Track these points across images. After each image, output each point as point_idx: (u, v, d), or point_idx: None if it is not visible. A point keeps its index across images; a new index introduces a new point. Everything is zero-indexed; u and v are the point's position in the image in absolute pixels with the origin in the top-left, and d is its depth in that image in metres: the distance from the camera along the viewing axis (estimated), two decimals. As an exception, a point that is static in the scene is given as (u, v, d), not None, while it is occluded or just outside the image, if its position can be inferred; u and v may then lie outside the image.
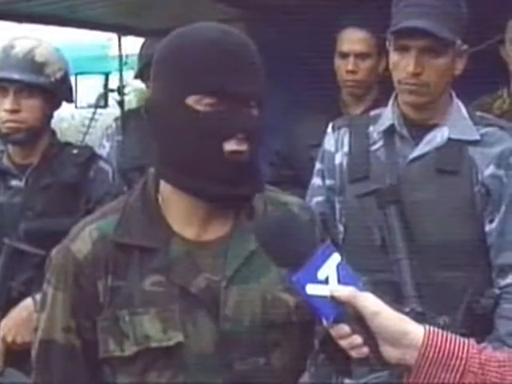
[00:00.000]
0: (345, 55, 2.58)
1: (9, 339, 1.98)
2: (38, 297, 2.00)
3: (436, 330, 1.19)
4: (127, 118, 3.06)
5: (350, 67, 2.56)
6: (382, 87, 2.64)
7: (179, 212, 1.34)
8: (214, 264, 1.33)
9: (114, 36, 4.39)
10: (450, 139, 1.85)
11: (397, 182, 1.84)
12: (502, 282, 1.82)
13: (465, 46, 1.83)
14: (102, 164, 2.16)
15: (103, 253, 1.33)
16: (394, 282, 1.79)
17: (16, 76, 2.04)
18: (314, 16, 3.54)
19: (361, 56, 2.57)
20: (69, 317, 1.35)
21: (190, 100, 1.27)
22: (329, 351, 1.53)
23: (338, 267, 1.15)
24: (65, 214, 2.03)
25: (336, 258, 1.15)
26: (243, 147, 1.27)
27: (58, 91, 2.10)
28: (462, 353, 1.17)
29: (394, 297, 1.76)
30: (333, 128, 2.00)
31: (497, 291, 1.81)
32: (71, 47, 2.88)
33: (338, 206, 1.95)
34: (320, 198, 1.97)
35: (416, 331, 1.17)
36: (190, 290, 1.31)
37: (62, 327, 1.36)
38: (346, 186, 1.93)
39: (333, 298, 1.15)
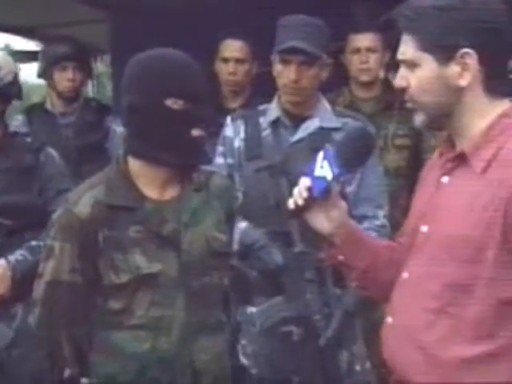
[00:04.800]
0: (226, 60, 3.23)
1: None
2: (11, 257, 2.48)
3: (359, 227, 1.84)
4: (32, 111, 3.50)
5: (230, 70, 3.21)
6: (254, 87, 3.32)
7: (146, 181, 1.91)
8: (174, 215, 1.91)
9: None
10: (320, 127, 2.52)
11: (283, 160, 2.47)
12: (358, 228, 2.53)
13: (329, 60, 2.52)
14: (49, 150, 2.65)
15: (99, 212, 1.87)
16: (286, 231, 2.42)
17: None
18: (180, 16, 4.01)
19: (239, 61, 3.22)
20: (75, 260, 1.86)
21: (168, 102, 1.84)
22: (236, 284, 2.18)
23: (330, 158, 1.63)
24: (22, 192, 2.52)
25: (331, 150, 1.65)
26: (203, 133, 1.89)
27: (9, 91, 2.57)
28: (368, 238, 1.81)
29: (287, 242, 2.41)
30: (231, 119, 2.61)
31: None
32: None
33: (237, 179, 2.56)
34: (223, 173, 2.59)
35: (351, 223, 1.77)
36: (162, 233, 1.89)
37: (69, 269, 1.86)
38: (244, 163, 2.55)
39: (327, 182, 1.63)
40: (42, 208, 2.47)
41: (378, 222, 2.51)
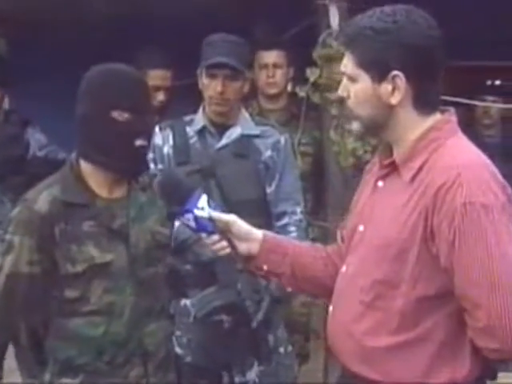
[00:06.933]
0: (158, 88, 3.50)
1: None
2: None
3: (268, 232, 2.06)
4: None
5: (161, 98, 3.51)
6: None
7: (96, 181, 2.12)
8: (122, 212, 2.13)
9: None
10: (242, 135, 2.80)
11: (211, 163, 2.73)
12: (278, 224, 2.78)
13: (250, 74, 2.81)
14: None
15: (56, 209, 2.05)
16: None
17: None
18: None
19: (163, 88, 3.53)
20: (34, 253, 2.02)
21: (114, 114, 2.05)
22: (169, 279, 2.40)
23: (208, 201, 2.00)
24: None
25: (205, 196, 2.01)
26: (145, 143, 2.11)
27: None
28: (286, 243, 2.03)
29: (218, 236, 2.67)
30: (159, 128, 2.83)
31: (276, 230, 2.80)
32: None
33: (168, 182, 2.79)
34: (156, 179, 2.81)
35: (257, 232, 1.99)
36: (113, 228, 2.10)
37: (27, 261, 2.02)
38: (173, 167, 2.79)
39: (209, 218, 1.93)
40: None
41: (296, 217, 2.81)
